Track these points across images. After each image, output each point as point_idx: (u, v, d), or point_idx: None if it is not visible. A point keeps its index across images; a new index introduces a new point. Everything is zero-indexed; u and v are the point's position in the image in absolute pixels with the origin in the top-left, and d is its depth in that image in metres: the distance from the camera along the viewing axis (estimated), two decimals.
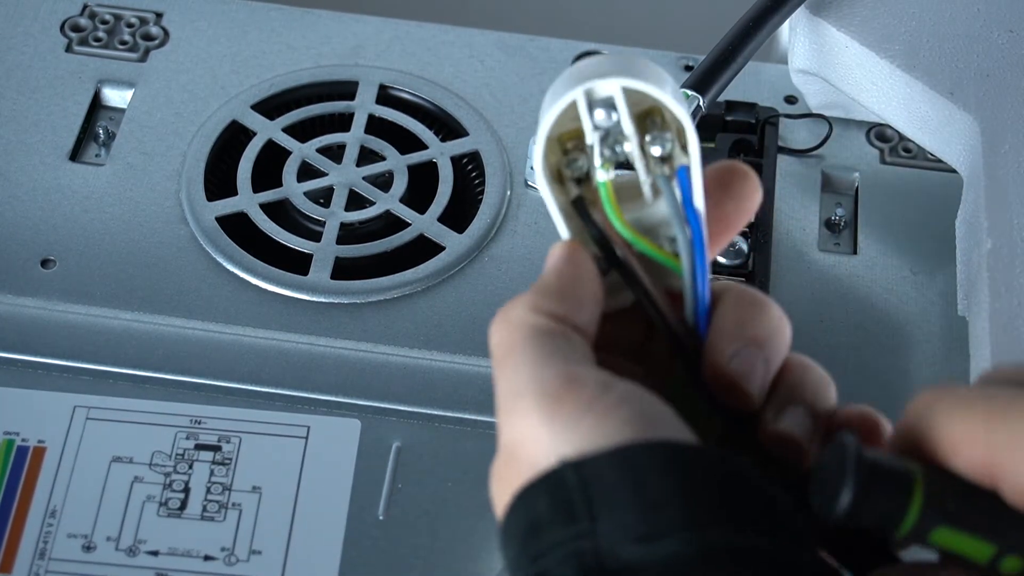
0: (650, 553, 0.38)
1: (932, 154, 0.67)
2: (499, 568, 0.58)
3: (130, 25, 0.76)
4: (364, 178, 0.71)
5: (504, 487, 0.42)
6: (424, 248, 0.68)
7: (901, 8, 0.67)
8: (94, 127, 0.72)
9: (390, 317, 0.65)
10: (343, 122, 0.73)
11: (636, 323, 0.45)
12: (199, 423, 0.61)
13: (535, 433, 0.40)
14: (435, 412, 0.62)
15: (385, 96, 0.74)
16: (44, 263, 0.66)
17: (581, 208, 0.44)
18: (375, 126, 0.73)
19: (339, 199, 0.70)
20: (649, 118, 0.43)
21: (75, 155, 0.71)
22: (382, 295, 0.66)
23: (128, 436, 0.60)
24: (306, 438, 0.61)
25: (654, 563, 0.37)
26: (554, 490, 0.40)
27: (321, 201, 0.70)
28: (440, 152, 0.72)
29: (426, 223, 0.69)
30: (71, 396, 0.62)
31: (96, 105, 0.73)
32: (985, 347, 0.57)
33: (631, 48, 0.76)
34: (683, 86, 0.59)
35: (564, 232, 0.45)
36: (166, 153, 0.71)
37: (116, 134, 0.72)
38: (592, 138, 0.43)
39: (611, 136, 0.43)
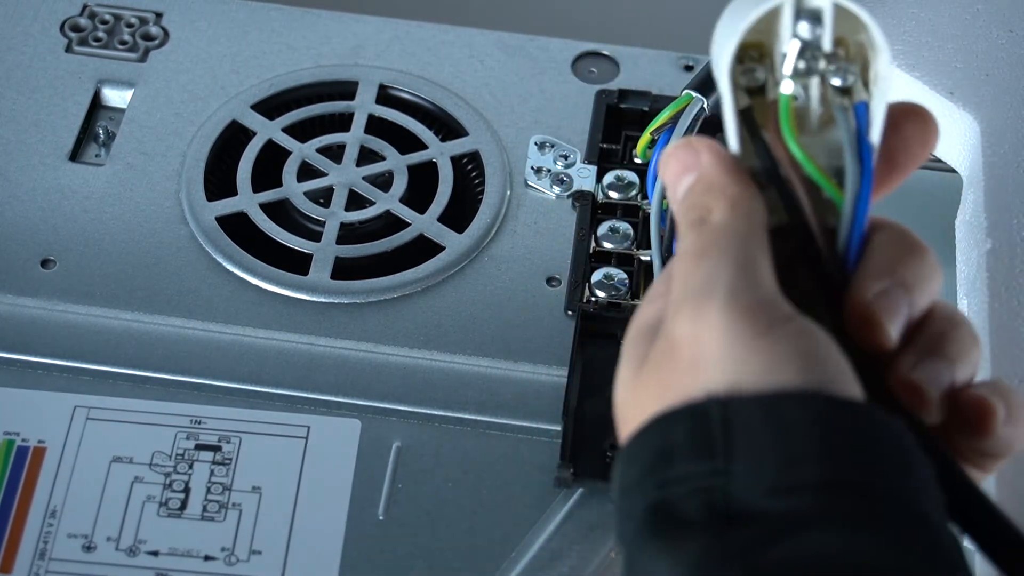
0: (779, 503, 0.37)
1: (932, 154, 0.67)
2: (499, 569, 0.58)
3: (130, 25, 0.76)
4: (364, 178, 0.71)
5: (649, 376, 0.41)
6: (424, 248, 0.68)
7: (901, 8, 0.67)
8: (94, 127, 0.72)
9: (390, 317, 0.65)
10: (343, 122, 0.73)
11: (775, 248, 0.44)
12: (199, 423, 0.61)
13: (710, 336, 0.40)
14: (435, 412, 0.62)
15: (385, 96, 0.74)
16: (44, 263, 0.66)
17: (750, 119, 0.44)
18: (375, 126, 0.73)
19: (339, 199, 0.70)
20: (835, 47, 0.43)
21: (75, 155, 0.71)
22: (382, 295, 0.66)
23: (128, 436, 0.60)
24: (306, 438, 0.61)
25: (781, 514, 0.37)
26: (697, 421, 0.39)
27: (321, 201, 0.70)
28: (440, 152, 0.72)
29: (426, 223, 0.69)
30: (71, 396, 0.62)
31: (96, 105, 0.73)
32: (985, 347, 0.57)
33: (631, 48, 0.76)
34: (686, 88, 0.59)
35: (733, 140, 0.44)
36: (166, 153, 0.71)
37: (116, 134, 0.72)
38: (789, 47, 0.43)
39: (806, 51, 0.43)
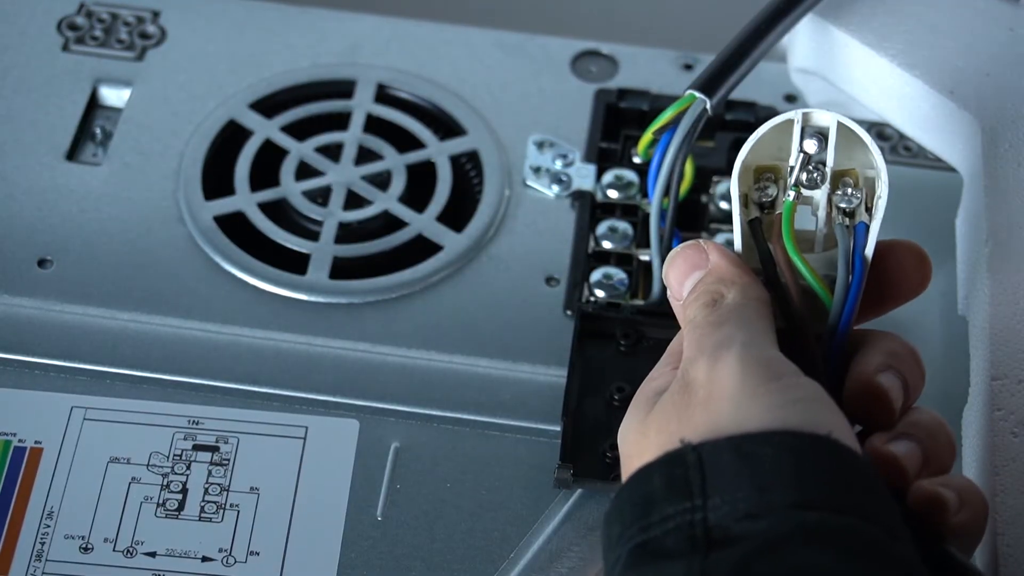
0: (756, 526, 0.41)
1: (932, 153, 0.67)
2: (498, 570, 0.57)
3: (127, 24, 0.76)
4: (362, 177, 0.70)
5: (660, 416, 0.45)
6: (422, 248, 0.68)
7: (901, 6, 0.67)
8: (91, 127, 0.72)
9: (388, 317, 0.65)
10: (341, 121, 0.73)
11: None
12: (197, 424, 0.61)
13: (725, 378, 0.44)
14: (433, 412, 0.62)
15: (383, 95, 0.74)
16: (41, 263, 0.66)
17: (756, 228, 0.49)
18: (373, 125, 0.73)
19: (337, 199, 0.69)
20: (843, 178, 0.49)
21: (72, 155, 0.71)
22: (380, 295, 0.66)
23: (125, 437, 0.60)
24: (304, 438, 0.61)
25: (756, 534, 0.40)
26: (673, 468, 0.43)
27: (319, 201, 0.70)
28: (439, 151, 0.72)
29: (424, 223, 0.69)
30: (68, 396, 0.61)
31: (93, 104, 0.73)
32: (985, 347, 0.57)
33: (630, 47, 0.76)
34: (689, 87, 0.59)
35: (739, 244, 0.49)
36: (163, 153, 0.71)
37: (113, 134, 0.71)
38: (795, 158, 0.49)
39: (812, 165, 0.49)
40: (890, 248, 0.50)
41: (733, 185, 0.49)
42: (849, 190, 0.49)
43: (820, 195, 0.49)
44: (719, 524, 0.41)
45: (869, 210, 0.49)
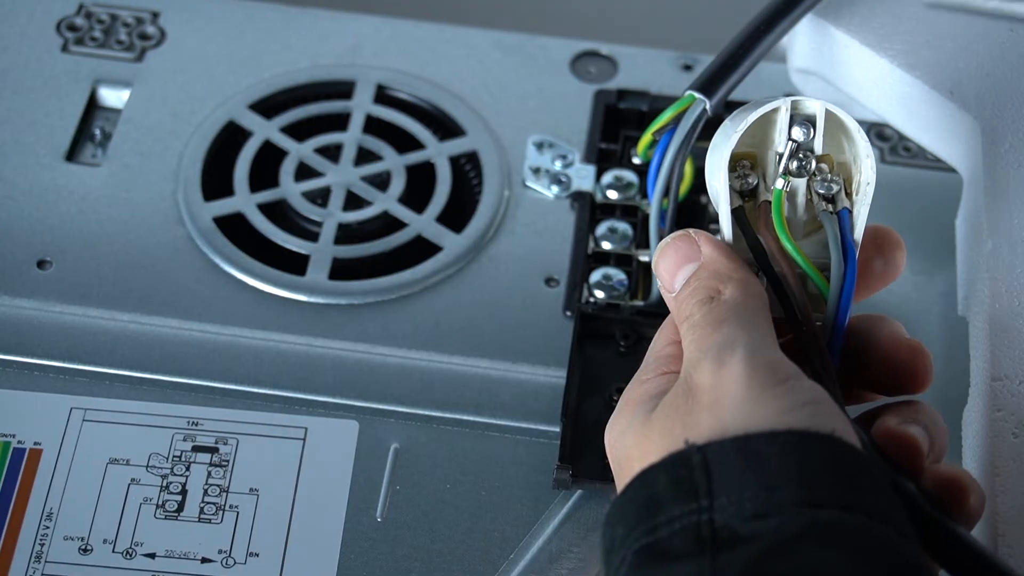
0: (764, 526, 0.41)
1: (932, 153, 0.67)
2: (498, 571, 0.57)
3: (126, 25, 0.76)
4: (362, 178, 0.70)
5: (663, 419, 0.45)
6: (422, 249, 0.68)
7: (901, 7, 0.67)
8: (90, 128, 0.72)
9: (388, 318, 0.65)
10: (340, 122, 0.73)
11: None
12: (196, 425, 0.61)
13: (731, 382, 0.44)
14: (433, 413, 0.62)
15: (383, 96, 0.74)
16: (40, 264, 0.66)
17: (741, 217, 0.49)
18: (373, 126, 0.73)
19: (337, 199, 0.69)
20: (819, 165, 0.49)
21: (71, 156, 0.71)
22: (380, 296, 0.66)
23: (125, 438, 0.60)
24: (304, 439, 0.61)
25: (763, 534, 0.40)
26: (678, 469, 0.43)
27: (319, 201, 0.70)
28: (438, 152, 0.72)
29: (424, 223, 0.69)
30: (68, 398, 0.61)
31: (92, 105, 0.73)
32: (985, 347, 0.57)
33: (630, 47, 0.76)
34: (689, 88, 0.59)
35: (728, 233, 0.49)
36: (163, 153, 0.71)
37: (112, 134, 0.71)
38: (784, 147, 0.49)
39: (799, 152, 0.49)
40: (867, 232, 0.50)
41: (722, 172, 0.49)
42: (829, 176, 0.49)
43: (800, 182, 0.49)
44: (726, 525, 0.41)
45: (849, 195, 0.49)
